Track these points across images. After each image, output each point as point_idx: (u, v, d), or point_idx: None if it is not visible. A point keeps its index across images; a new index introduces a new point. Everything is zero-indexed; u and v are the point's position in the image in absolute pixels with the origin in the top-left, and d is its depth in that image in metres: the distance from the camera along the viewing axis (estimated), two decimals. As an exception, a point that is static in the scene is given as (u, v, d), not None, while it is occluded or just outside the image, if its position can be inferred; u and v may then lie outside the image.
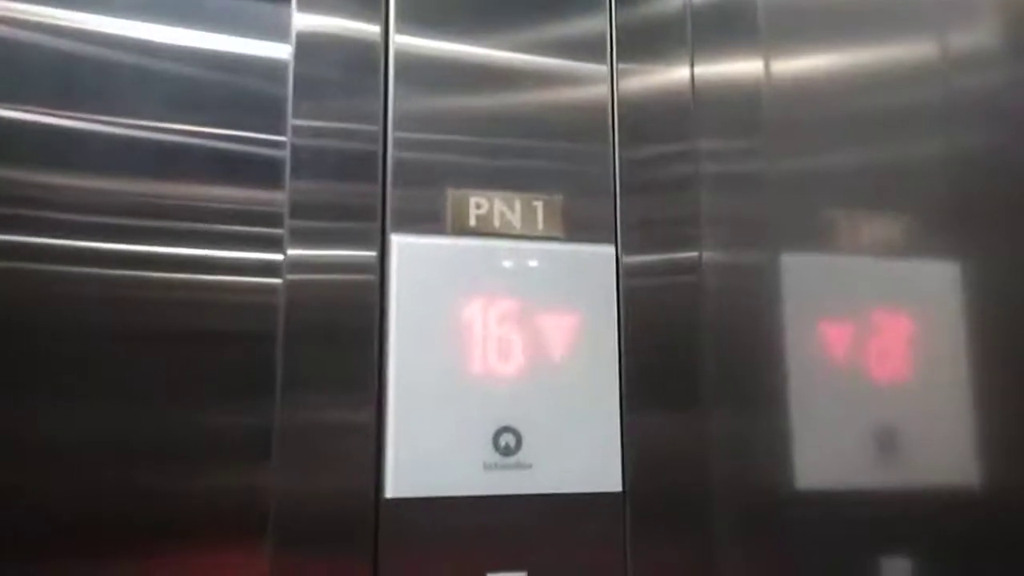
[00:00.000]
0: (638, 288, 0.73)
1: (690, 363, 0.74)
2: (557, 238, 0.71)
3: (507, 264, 0.69)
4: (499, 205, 0.70)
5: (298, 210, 0.66)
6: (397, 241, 0.67)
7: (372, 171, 0.68)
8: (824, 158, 0.82)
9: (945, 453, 0.80)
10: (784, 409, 0.76)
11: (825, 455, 0.76)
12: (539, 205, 0.71)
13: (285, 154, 0.67)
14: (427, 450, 0.65)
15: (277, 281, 0.65)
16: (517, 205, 0.70)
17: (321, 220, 0.67)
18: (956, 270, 0.84)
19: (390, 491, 0.64)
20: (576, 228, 0.72)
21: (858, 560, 0.76)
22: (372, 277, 0.67)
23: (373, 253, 0.67)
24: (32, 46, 0.64)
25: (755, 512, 0.73)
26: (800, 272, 0.78)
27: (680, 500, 0.72)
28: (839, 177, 0.82)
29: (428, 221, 0.69)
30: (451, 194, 0.69)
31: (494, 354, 0.68)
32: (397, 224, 0.68)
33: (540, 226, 0.71)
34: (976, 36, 0.89)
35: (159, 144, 0.65)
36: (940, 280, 0.83)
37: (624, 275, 0.72)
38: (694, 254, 0.75)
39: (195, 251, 0.64)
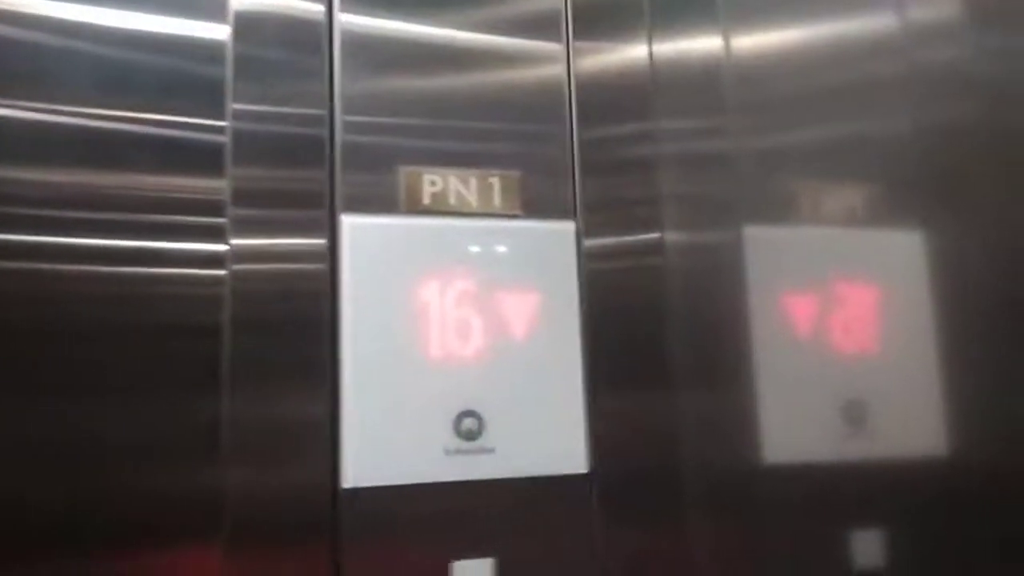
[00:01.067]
0: (600, 269, 0.71)
1: (654, 341, 0.72)
2: (515, 215, 0.69)
3: (463, 243, 0.67)
4: (454, 182, 0.68)
5: (241, 197, 0.63)
6: (348, 222, 0.65)
7: (318, 155, 0.66)
8: (786, 134, 0.80)
9: (912, 424, 0.79)
10: (751, 385, 0.74)
11: (793, 429, 0.75)
12: (495, 181, 0.69)
13: (226, 139, 0.64)
14: (385, 437, 0.62)
15: (222, 272, 0.62)
16: (473, 182, 0.68)
17: (266, 207, 0.64)
18: (919, 241, 0.83)
19: (348, 480, 0.61)
20: (534, 205, 0.70)
21: (828, 532, 0.74)
22: (322, 265, 0.64)
23: (322, 240, 0.64)
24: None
25: (724, 489, 0.72)
26: (763, 247, 0.77)
27: (648, 480, 0.70)
28: (801, 152, 0.81)
29: (380, 201, 0.66)
30: (403, 172, 0.67)
31: (453, 336, 0.65)
32: (347, 206, 0.65)
33: (497, 203, 0.68)
34: (936, 8, 0.88)
35: (90, 130, 0.62)
36: (903, 251, 0.82)
37: (586, 255, 0.70)
38: (656, 234, 0.73)
39: (134, 243, 0.61)
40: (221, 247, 0.62)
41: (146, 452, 0.59)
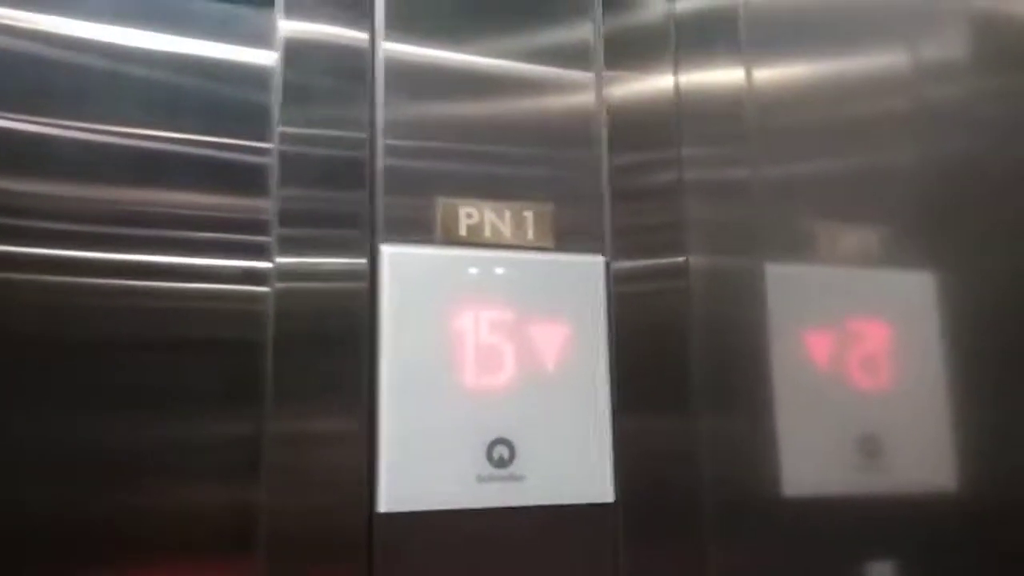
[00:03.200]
0: (627, 295, 0.71)
1: (679, 370, 0.72)
2: (547, 248, 0.69)
3: (498, 273, 0.67)
4: (489, 214, 0.68)
5: (286, 218, 0.63)
6: (387, 251, 0.65)
7: (360, 179, 0.66)
8: (804, 166, 0.81)
9: (925, 459, 0.80)
10: (771, 416, 0.75)
11: (810, 461, 0.75)
12: (529, 215, 0.69)
13: (271, 161, 0.64)
14: (420, 463, 0.63)
15: (265, 289, 0.62)
16: (507, 214, 0.69)
17: (309, 228, 0.64)
18: (932, 279, 0.84)
19: (383, 505, 0.61)
20: (566, 237, 0.70)
21: (844, 566, 0.75)
22: (362, 285, 0.64)
23: (363, 261, 0.64)
24: (3, 50, 0.61)
25: (744, 519, 0.72)
26: (783, 280, 0.77)
27: (671, 509, 0.70)
28: (818, 185, 0.82)
29: (418, 230, 0.66)
30: (441, 203, 0.67)
31: (486, 364, 0.66)
32: (387, 233, 0.65)
33: (530, 235, 0.69)
34: (949, 46, 0.89)
35: (138, 151, 0.62)
36: (916, 290, 0.83)
37: (614, 282, 0.71)
38: (681, 259, 0.74)
39: (179, 259, 0.61)
40: (265, 265, 0.63)
41: (183, 469, 0.59)
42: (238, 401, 0.61)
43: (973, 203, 0.86)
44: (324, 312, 0.63)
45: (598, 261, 0.71)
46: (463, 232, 0.67)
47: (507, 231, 0.68)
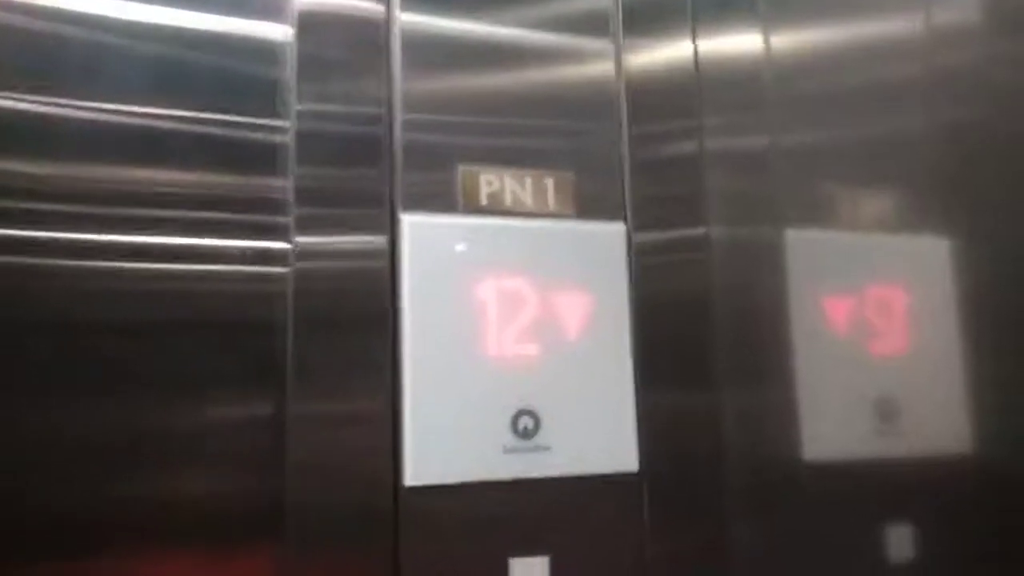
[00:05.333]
0: (648, 266, 0.69)
1: (701, 339, 0.70)
2: (568, 215, 0.67)
3: (519, 243, 0.65)
4: (510, 183, 0.66)
5: (304, 197, 0.61)
6: (408, 220, 0.62)
7: (379, 153, 0.63)
8: (822, 133, 0.79)
9: (941, 422, 0.78)
10: (791, 383, 0.73)
11: (830, 426, 0.74)
12: (550, 182, 0.67)
13: (287, 139, 0.61)
14: (446, 436, 0.61)
15: (284, 270, 0.60)
16: (528, 182, 0.66)
17: (327, 206, 0.61)
18: (947, 245, 0.82)
19: (410, 479, 0.60)
20: (586, 205, 0.68)
21: (864, 529, 0.74)
22: (383, 262, 0.62)
23: (383, 237, 0.62)
24: (8, 28, 0.58)
25: (765, 485, 0.71)
26: (802, 247, 0.75)
27: (694, 477, 0.68)
28: (837, 152, 0.79)
29: (438, 200, 0.64)
30: (461, 171, 0.65)
31: (509, 335, 0.64)
32: (407, 204, 0.63)
33: (551, 203, 0.67)
34: (963, 12, 0.87)
35: (150, 130, 0.59)
36: (933, 255, 0.82)
37: (635, 252, 0.69)
38: (702, 230, 0.72)
39: (195, 240, 0.59)
40: (283, 245, 0.61)
41: (206, 452, 0.57)
42: (259, 382, 0.58)
43: (988, 168, 0.84)
44: (345, 290, 0.61)
45: (619, 229, 0.69)
46: (484, 201, 0.65)
47: (528, 199, 0.66)
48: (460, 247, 0.63)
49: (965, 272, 0.81)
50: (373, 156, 0.63)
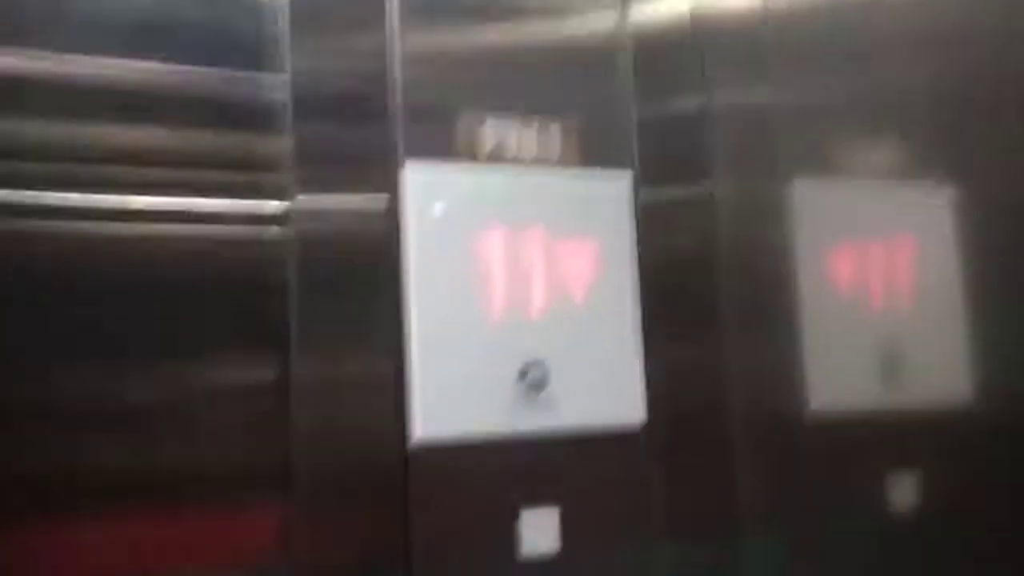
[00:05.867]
0: (654, 218, 0.68)
1: (706, 293, 0.69)
2: (574, 163, 0.65)
3: (524, 191, 0.63)
4: (514, 131, 0.63)
5: (302, 155, 0.58)
6: (410, 169, 0.60)
7: (380, 107, 0.61)
8: (825, 85, 0.77)
9: (944, 373, 0.78)
10: (797, 336, 0.72)
11: (835, 378, 0.73)
12: (555, 130, 0.64)
13: (284, 96, 0.58)
14: (453, 390, 0.59)
15: (284, 229, 0.57)
16: (533, 130, 0.64)
17: (327, 164, 0.59)
18: (953, 194, 0.81)
19: (418, 434, 0.58)
20: (592, 154, 0.66)
21: (867, 479, 0.73)
22: (385, 217, 0.59)
23: (384, 195, 0.60)
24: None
25: (771, 437, 0.70)
26: (806, 199, 0.74)
27: (700, 429, 0.68)
28: (839, 103, 0.77)
29: (441, 149, 0.61)
30: (464, 119, 0.62)
31: (516, 288, 0.62)
32: (409, 154, 0.61)
33: (557, 152, 0.65)
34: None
35: (142, 84, 0.55)
36: (938, 204, 0.80)
37: (640, 204, 0.67)
38: (707, 185, 0.70)
39: (191, 201, 0.56)
40: (283, 204, 0.58)
41: (210, 414, 0.55)
42: (263, 345, 0.56)
43: (993, 117, 0.83)
44: (347, 247, 0.58)
45: (625, 176, 0.66)
46: (487, 149, 0.63)
47: (533, 147, 0.64)
48: (464, 197, 0.61)
49: (969, 222, 0.80)
50: (373, 110, 0.60)
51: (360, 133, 0.60)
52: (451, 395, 0.59)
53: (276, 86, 0.59)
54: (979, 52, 0.83)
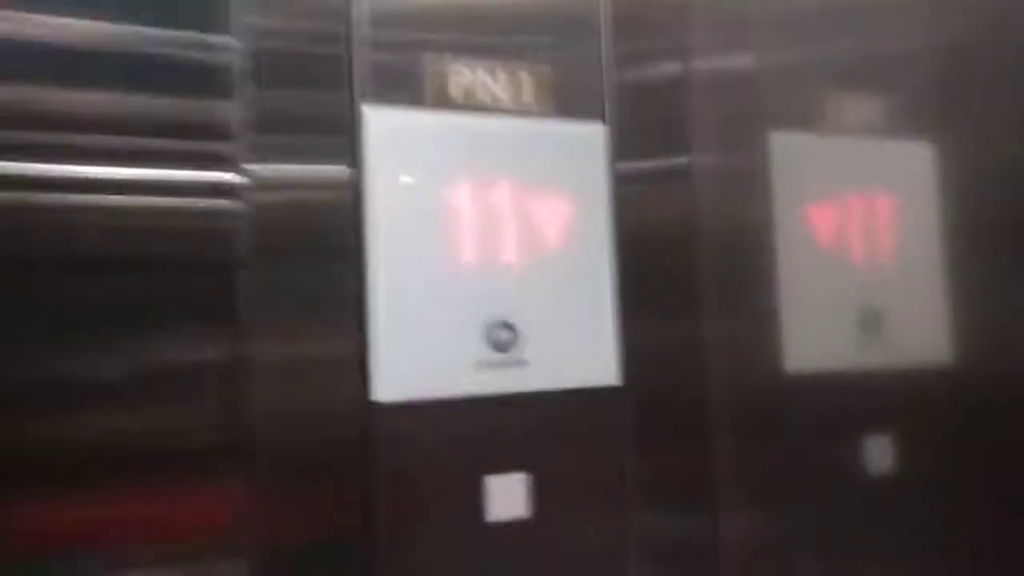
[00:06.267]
0: (629, 176, 0.64)
1: (682, 252, 0.66)
2: (546, 113, 0.62)
3: (492, 140, 0.59)
4: (482, 76, 0.60)
5: (255, 120, 0.53)
6: (372, 115, 0.56)
7: (338, 67, 0.56)
8: (807, 47, 0.74)
9: (923, 332, 0.76)
10: (774, 295, 0.69)
11: (813, 339, 0.71)
12: (525, 76, 0.61)
13: (234, 58, 0.53)
14: (416, 350, 0.56)
15: (235, 201, 0.53)
16: (501, 76, 0.60)
17: (282, 129, 0.54)
18: (932, 153, 0.78)
19: (379, 395, 0.55)
20: (565, 104, 0.62)
21: (846, 440, 0.72)
22: (347, 184, 0.55)
23: (343, 166, 0.55)
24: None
25: (748, 398, 0.68)
26: (787, 157, 0.71)
27: (676, 390, 0.65)
28: (821, 62, 0.74)
29: (405, 94, 0.58)
30: (428, 62, 0.58)
31: (483, 241, 0.58)
32: (370, 99, 0.57)
33: (527, 100, 0.61)
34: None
35: (78, 46, 0.50)
36: (917, 163, 0.78)
37: (616, 160, 0.63)
38: (685, 151, 0.67)
39: (135, 171, 0.51)
40: (232, 175, 0.53)
41: (162, 388, 0.51)
42: (215, 319, 0.52)
43: (974, 74, 0.80)
44: (303, 219, 0.54)
45: (598, 129, 0.63)
46: (454, 95, 0.59)
47: (502, 94, 0.60)
48: (430, 146, 0.57)
49: (950, 179, 0.78)
50: (330, 71, 0.56)
51: (317, 96, 0.56)
52: (414, 356, 0.56)
53: (225, 47, 0.54)
54: (966, 6, 0.81)
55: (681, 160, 0.67)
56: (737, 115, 0.70)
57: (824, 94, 0.74)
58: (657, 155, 0.67)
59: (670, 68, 0.68)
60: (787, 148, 0.72)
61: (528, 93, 0.61)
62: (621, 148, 0.64)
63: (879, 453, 0.72)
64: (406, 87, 0.58)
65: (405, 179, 0.56)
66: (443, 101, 0.58)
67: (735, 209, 0.69)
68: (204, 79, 0.53)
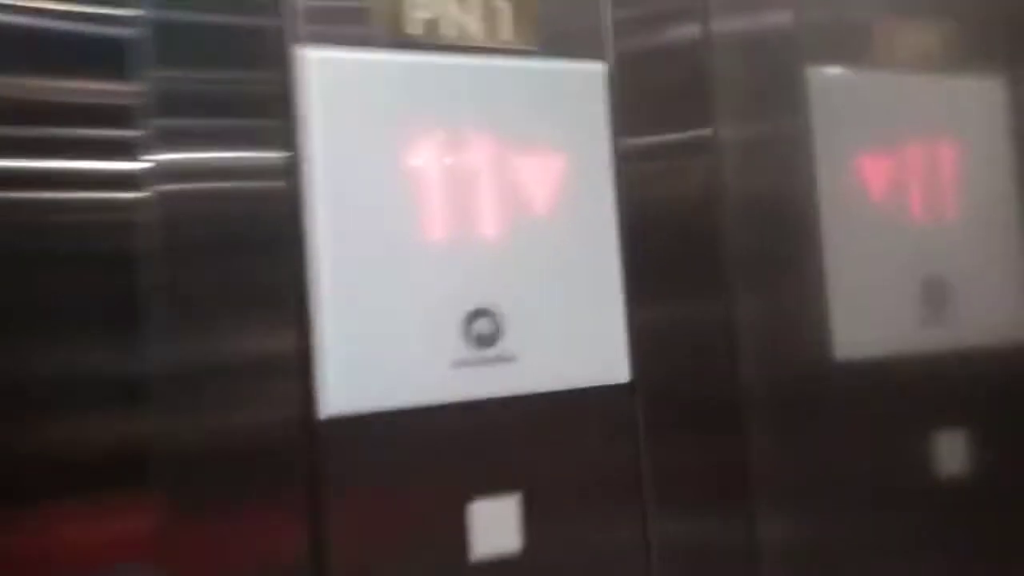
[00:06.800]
0: (639, 129, 0.53)
1: (706, 229, 0.55)
2: (531, 51, 0.50)
3: (465, 86, 0.47)
4: (451, 5, 0.48)
5: (162, 103, 0.43)
6: (310, 57, 0.45)
7: (262, 42, 0.45)
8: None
9: (999, 305, 0.64)
10: (817, 269, 0.57)
11: (864, 317, 0.59)
12: (504, 5, 0.49)
13: (136, 32, 0.43)
14: (373, 350, 0.44)
15: (139, 194, 0.43)
16: (475, 5, 0.49)
17: (194, 112, 0.43)
18: (1004, 89, 0.65)
19: (327, 408, 0.44)
20: (555, 38, 0.51)
21: (908, 435, 0.60)
22: (283, 171, 0.44)
23: (277, 151, 0.44)
24: None
25: (790, 392, 0.56)
26: (830, 98, 0.59)
27: (700, 387, 0.54)
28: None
29: (352, 29, 0.46)
30: (384, -11, 0.47)
31: (456, 212, 0.47)
32: (310, 36, 0.45)
33: (507, 34, 0.49)
34: None
35: None
36: (986, 102, 0.65)
37: (619, 109, 0.52)
38: (708, 124, 0.55)
39: (27, 163, 0.41)
40: (136, 164, 0.43)
41: (65, 400, 0.41)
42: (122, 322, 0.42)
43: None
44: (221, 209, 0.43)
45: (597, 69, 0.51)
46: (414, 29, 0.47)
47: (476, 29, 0.48)
48: (386, 93, 0.46)
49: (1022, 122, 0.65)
50: (252, 45, 0.44)
51: (236, 75, 0.44)
52: (371, 357, 0.45)
53: (126, 21, 0.43)
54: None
55: (705, 122, 0.55)
56: (772, 40, 0.58)
57: (873, 22, 0.62)
58: (672, 104, 0.55)
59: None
60: (829, 89, 0.59)
61: (509, 26, 0.49)
62: (625, 93, 0.52)
63: (948, 452, 0.60)
64: (352, 23, 0.46)
65: (353, 138, 0.45)
66: (400, 39, 0.47)
67: (768, 166, 0.58)
68: (105, 57, 0.43)
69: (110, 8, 0.43)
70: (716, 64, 0.56)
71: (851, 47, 0.61)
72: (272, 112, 0.44)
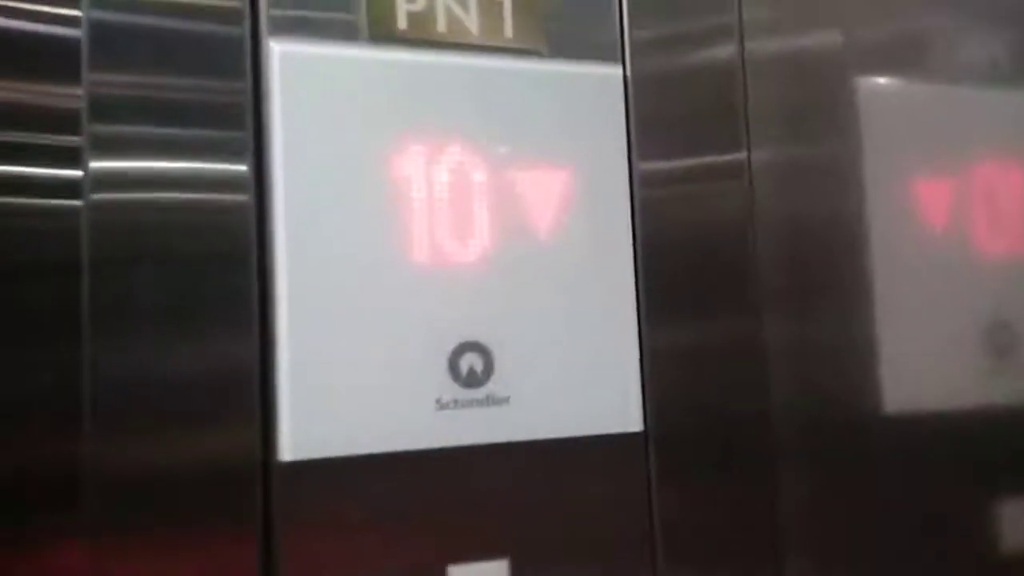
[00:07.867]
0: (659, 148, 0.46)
1: (734, 255, 0.48)
2: (534, 52, 0.44)
3: (459, 90, 0.42)
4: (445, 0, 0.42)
5: (101, 108, 0.38)
6: (279, 50, 0.40)
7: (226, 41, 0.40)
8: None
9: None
10: (866, 308, 0.50)
11: (918, 364, 0.51)
12: (505, 1, 0.43)
13: (79, 32, 0.38)
14: (342, 386, 0.39)
15: (77, 203, 0.38)
16: (471, 1, 0.43)
17: (137, 117, 0.38)
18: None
19: (286, 452, 0.38)
20: (563, 39, 0.45)
21: (967, 501, 0.52)
22: (242, 183, 0.39)
23: (237, 164, 0.39)
24: None
25: (828, 445, 0.49)
26: (882, 116, 0.52)
27: (725, 438, 0.47)
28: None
29: (331, 24, 0.41)
30: (364, -21, 0.41)
31: (445, 232, 0.41)
32: (277, 29, 0.40)
33: (508, 33, 0.43)
34: None
35: None
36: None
37: (639, 123, 0.46)
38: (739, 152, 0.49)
39: None
40: (76, 172, 0.38)
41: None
42: (54, 338, 0.37)
43: None
44: (167, 221, 0.38)
45: (613, 73, 0.45)
46: (403, 24, 0.42)
47: (472, 25, 0.43)
48: (363, 96, 0.40)
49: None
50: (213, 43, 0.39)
51: (194, 73, 0.39)
52: (340, 395, 0.39)
53: (70, 20, 0.38)
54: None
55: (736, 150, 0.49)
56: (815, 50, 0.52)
57: (930, 30, 0.55)
58: (701, 107, 0.48)
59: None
60: (882, 105, 0.52)
61: (510, 24, 0.43)
62: (645, 103, 0.46)
63: (1012, 522, 0.52)
64: (332, 14, 0.41)
65: (326, 146, 0.39)
66: (387, 34, 0.41)
67: (808, 193, 0.51)
68: (43, 58, 0.38)
69: (55, 7, 0.38)
70: (751, 83, 0.50)
71: (905, 58, 0.54)
72: (234, 115, 0.39)
